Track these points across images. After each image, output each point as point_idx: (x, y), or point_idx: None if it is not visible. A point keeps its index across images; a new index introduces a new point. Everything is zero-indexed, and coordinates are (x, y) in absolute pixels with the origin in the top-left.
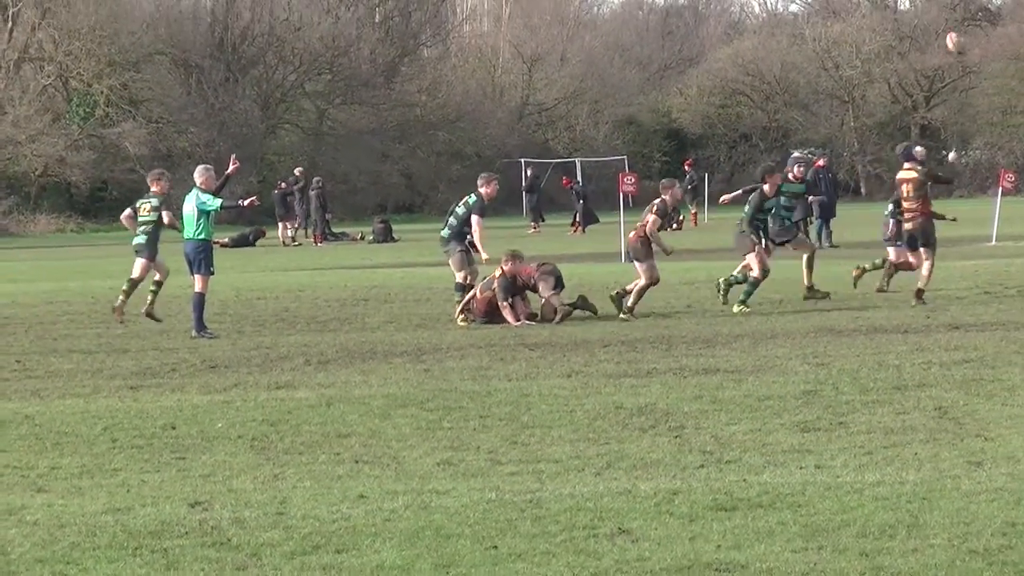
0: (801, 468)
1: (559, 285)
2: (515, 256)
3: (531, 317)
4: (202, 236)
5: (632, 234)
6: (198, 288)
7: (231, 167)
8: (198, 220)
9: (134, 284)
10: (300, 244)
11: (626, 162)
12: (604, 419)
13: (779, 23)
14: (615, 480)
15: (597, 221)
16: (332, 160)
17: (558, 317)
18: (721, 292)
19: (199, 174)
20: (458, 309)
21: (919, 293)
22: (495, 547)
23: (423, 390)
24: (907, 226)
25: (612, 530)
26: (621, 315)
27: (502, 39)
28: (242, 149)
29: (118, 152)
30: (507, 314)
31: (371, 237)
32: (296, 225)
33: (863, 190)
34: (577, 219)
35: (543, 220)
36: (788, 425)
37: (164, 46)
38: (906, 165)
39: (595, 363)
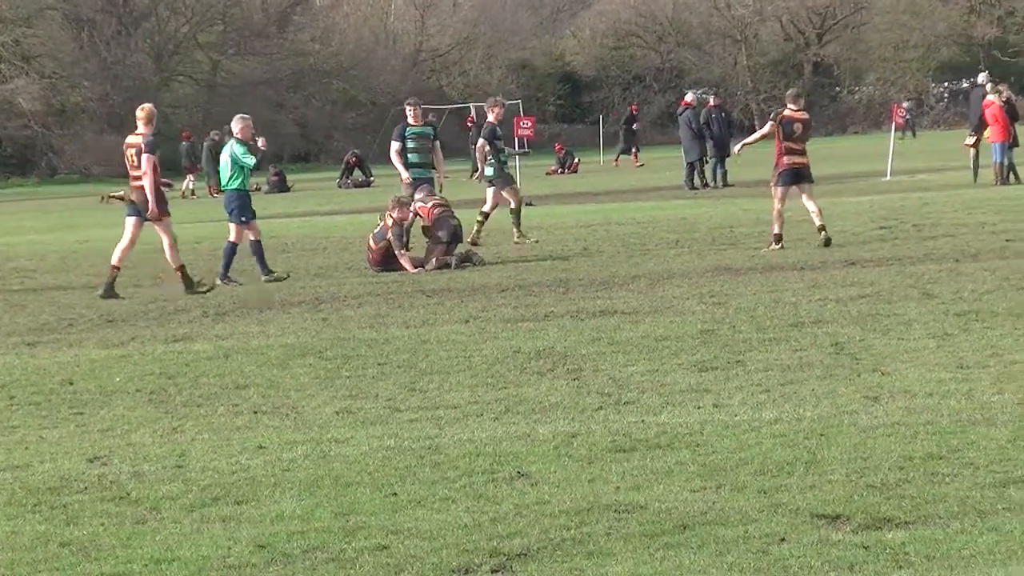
0: (699, 408)
1: (455, 238)
2: (402, 203)
3: (420, 264)
4: (235, 186)
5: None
6: (232, 237)
7: (261, 143)
8: (232, 169)
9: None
10: (197, 196)
11: (520, 106)
12: (502, 364)
13: None
14: (514, 424)
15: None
16: (226, 111)
17: (431, 266)
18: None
19: (236, 123)
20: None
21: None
22: (394, 494)
23: (321, 339)
24: (798, 161)
25: (511, 474)
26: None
27: None
28: (136, 102)
29: (11, 108)
30: (404, 262)
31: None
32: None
33: (757, 128)
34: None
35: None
36: (686, 365)
37: (56, 1)
38: (791, 107)
39: (493, 308)
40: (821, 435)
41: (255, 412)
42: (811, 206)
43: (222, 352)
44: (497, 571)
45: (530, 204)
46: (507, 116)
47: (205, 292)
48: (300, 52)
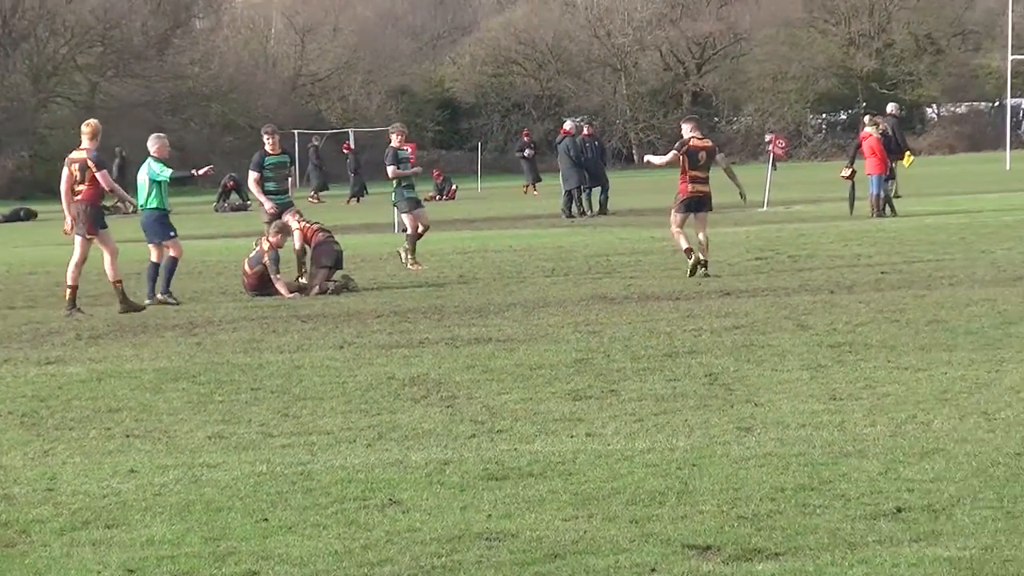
0: (572, 436)
1: (337, 264)
2: (283, 229)
3: (300, 289)
4: (154, 205)
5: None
6: (153, 257)
7: (201, 171)
8: (150, 188)
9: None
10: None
11: None
12: (376, 390)
13: None
14: (386, 451)
15: (366, 193)
16: (105, 133)
17: (314, 291)
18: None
19: (152, 142)
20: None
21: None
22: (266, 520)
23: (195, 363)
24: (700, 189)
25: (383, 501)
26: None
27: (274, 9)
28: (13, 123)
29: None
30: (279, 286)
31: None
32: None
33: (635, 157)
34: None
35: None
36: (560, 393)
37: None
38: (695, 135)
39: (367, 334)
40: (693, 465)
41: (127, 436)
42: (702, 237)
43: (95, 375)
44: None
45: (406, 231)
46: (385, 142)
47: (140, 311)
48: (179, 75)
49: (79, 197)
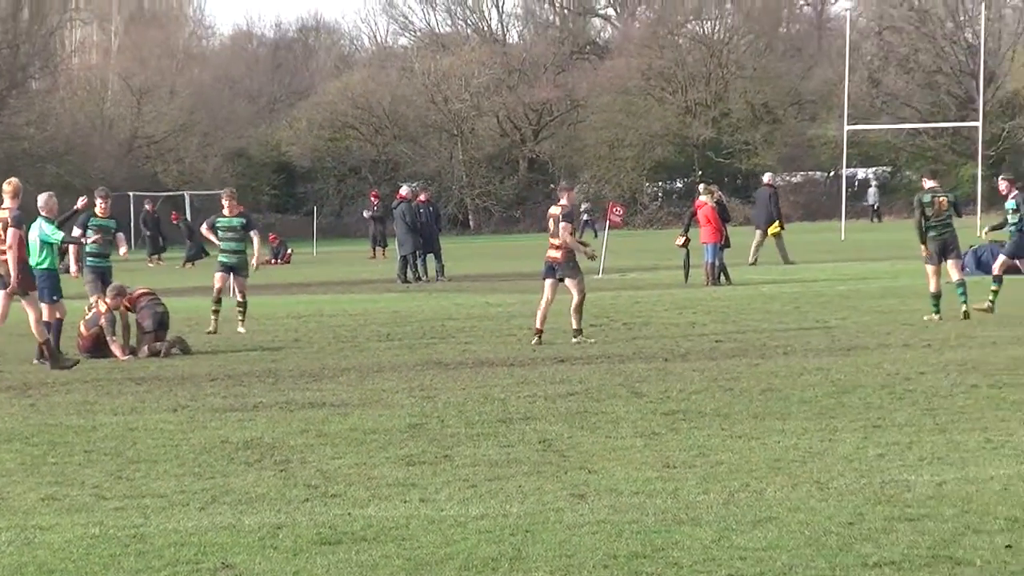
0: (405, 502)
1: (161, 326)
2: (119, 292)
3: (134, 352)
4: (45, 265)
5: (557, 253)
6: (44, 316)
7: (80, 203)
8: (41, 248)
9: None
10: None
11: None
12: (210, 453)
13: (389, 56)
14: (220, 515)
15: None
16: None
17: (143, 354)
18: None
19: (42, 201)
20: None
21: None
22: None
23: (28, 425)
24: (551, 256)
25: (216, 565)
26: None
27: (111, 71)
28: None
29: None
30: (115, 348)
31: None
32: None
33: (471, 223)
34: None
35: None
36: (393, 458)
37: None
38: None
39: (202, 397)
40: (527, 531)
41: None
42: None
43: None
44: None
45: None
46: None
47: (71, 367)
48: (14, 136)
49: (2, 256)
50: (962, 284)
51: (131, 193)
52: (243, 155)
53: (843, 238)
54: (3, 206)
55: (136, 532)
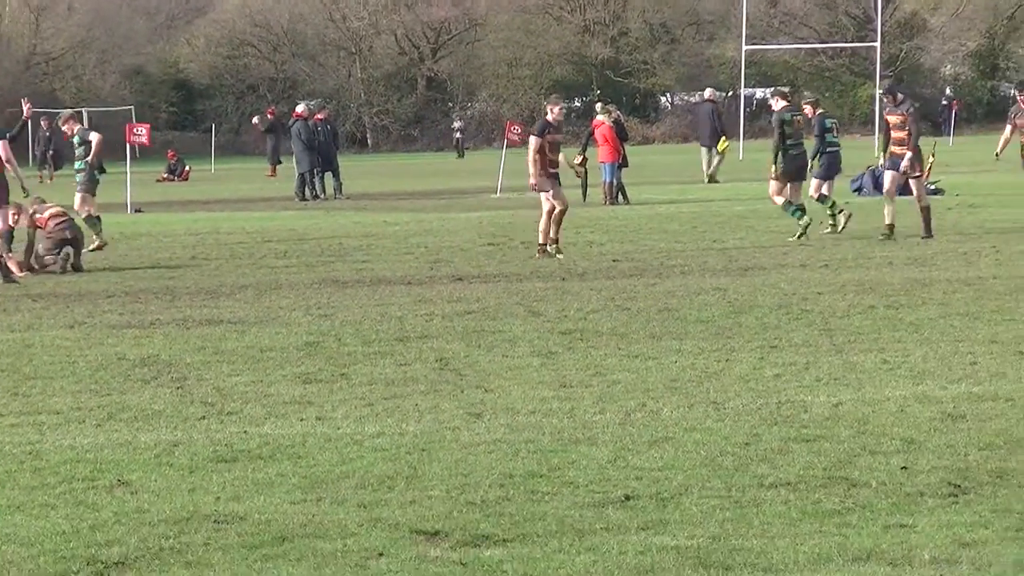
0: (302, 420)
1: (74, 244)
2: (20, 210)
3: (31, 269)
4: None
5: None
6: None
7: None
8: None
9: None
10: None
11: (133, 112)
12: (106, 370)
13: None
14: (116, 432)
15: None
16: None
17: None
18: None
19: None
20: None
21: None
22: None
23: None
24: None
25: (111, 482)
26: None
27: None
28: None
29: None
30: (11, 264)
31: None
32: None
33: (369, 141)
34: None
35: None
36: (290, 376)
37: None
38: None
39: (98, 314)
40: (423, 450)
41: None
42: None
43: None
44: None
45: (139, 211)
46: (119, 123)
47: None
48: None
49: None
50: (801, 206)
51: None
52: (141, 72)
53: (740, 157)
54: None
55: (32, 448)
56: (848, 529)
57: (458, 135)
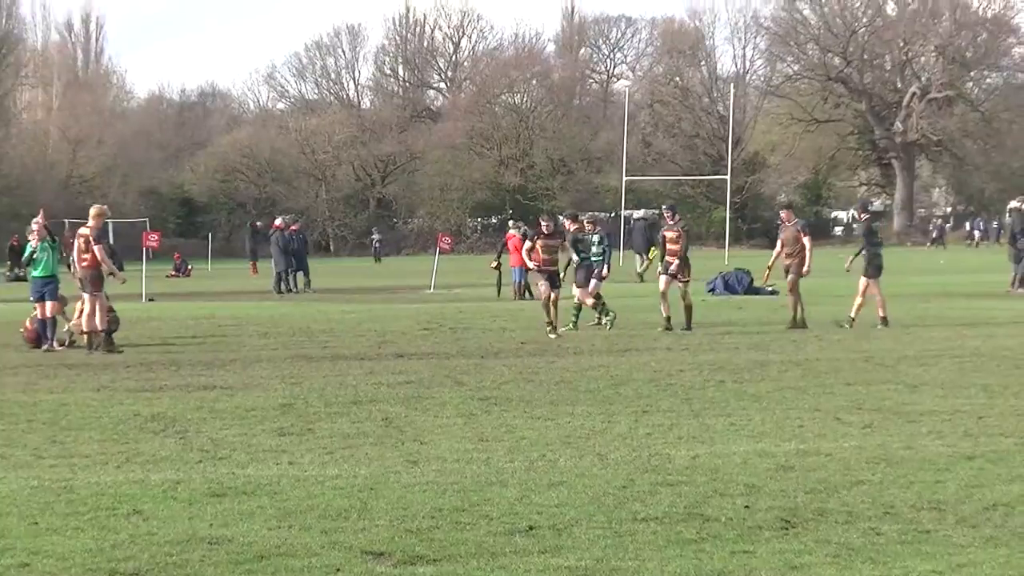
0: (277, 464)
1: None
2: (61, 300)
3: (68, 344)
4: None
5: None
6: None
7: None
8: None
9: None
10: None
11: (147, 223)
12: (125, 424)
13: (269, 117)
14: (132, 472)
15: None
16: None
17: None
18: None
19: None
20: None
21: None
22: (36, 523)
23: None
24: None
25: (128, 511)
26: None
27: (52, 125)
28: None
29: None
30: (54, 342)
31: None
32: None
33: (332, 248)
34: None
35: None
36: (268, 430)
37: None
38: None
39: (119, 380)
40: (371, 488)
41: None
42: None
43: None
44: None
45: (152, 300)
46: (137, 231)
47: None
48: None
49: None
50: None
51: (66, 220)
52: (154, 192)
53: (621, 264)
54: (87, 224)
55: (66, 484)
56: (703, 554)
57: (376, 244)
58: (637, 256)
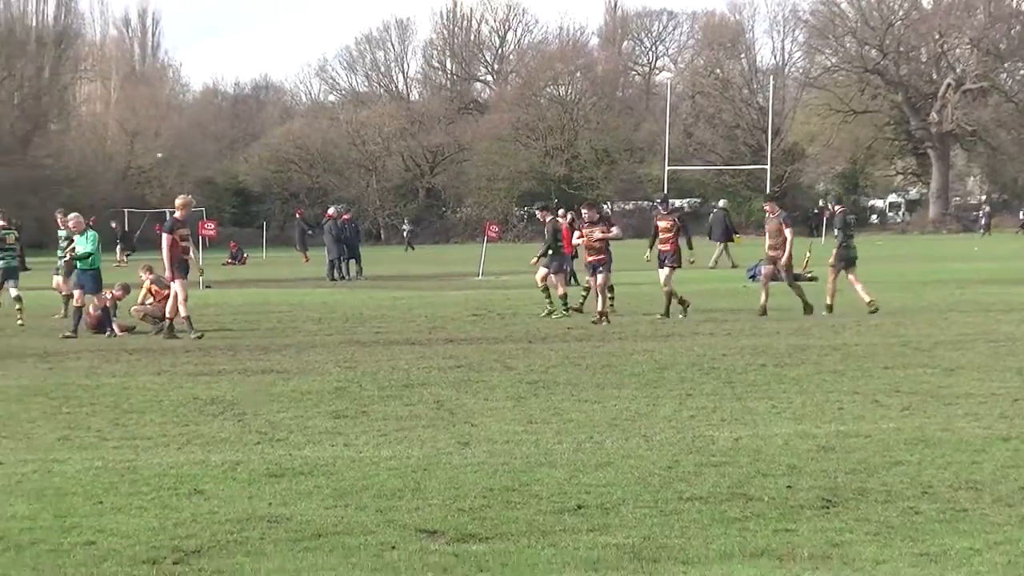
0: (333, 445)
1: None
2: (125, 288)
3: (129, 329)
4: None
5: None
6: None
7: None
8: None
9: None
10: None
11: (204, 213)
12: (185, 407)
13: (321, 109)
14: (192, 453)
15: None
16: None
17: (154, 330)
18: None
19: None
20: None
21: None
22: (101, 502)
23: (48, 383)
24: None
25: (190, 491)
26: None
27: (110, 118)
28: None
29: None
30: (115, 327)
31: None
32: None
33: (383, 236)
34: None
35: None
36: (324, 413)
37: None
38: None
39: (179, 364)
40: (425, 469)
41: None
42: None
43: None
44: (177, 563)
45: (209, 287)
46: (194, 220)
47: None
48: (38, 165)
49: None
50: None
51: (126, 209)
52: (210, 182)
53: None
54: (174, 215)
55: (130, 465)
56: (747, 532)
57: (407, 233)
58: (717, 245)
